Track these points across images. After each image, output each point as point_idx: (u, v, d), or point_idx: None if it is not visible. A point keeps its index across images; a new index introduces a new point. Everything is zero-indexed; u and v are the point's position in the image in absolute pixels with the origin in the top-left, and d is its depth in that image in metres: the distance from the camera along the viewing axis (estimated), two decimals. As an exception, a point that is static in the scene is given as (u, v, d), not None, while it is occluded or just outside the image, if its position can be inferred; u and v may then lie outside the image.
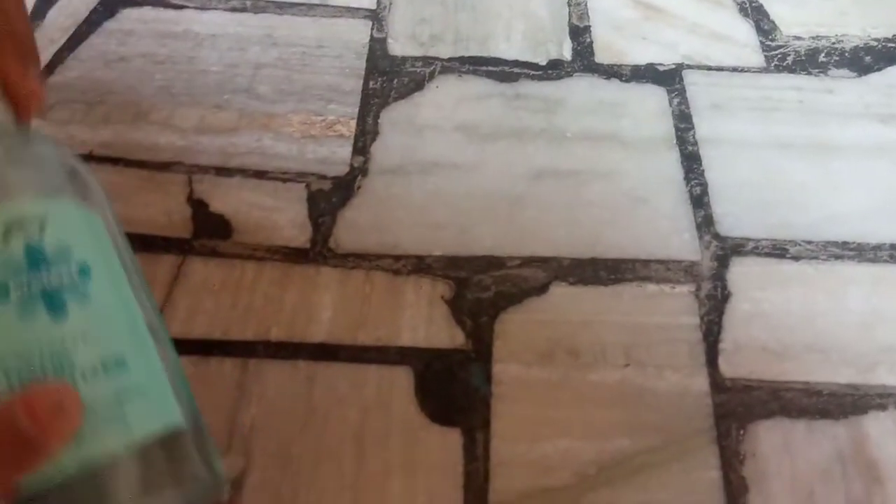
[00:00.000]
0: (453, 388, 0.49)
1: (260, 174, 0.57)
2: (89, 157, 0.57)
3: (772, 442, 0.48)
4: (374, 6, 0.68)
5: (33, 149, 0.27)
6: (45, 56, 0.62)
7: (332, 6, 0.67)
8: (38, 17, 0.64)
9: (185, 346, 0.50)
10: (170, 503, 0.23)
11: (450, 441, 0.47)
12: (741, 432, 0.49)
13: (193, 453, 0.25)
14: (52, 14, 0.64)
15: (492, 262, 0.55)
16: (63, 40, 0.63)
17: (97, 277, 0.24)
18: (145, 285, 0.28)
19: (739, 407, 0.49)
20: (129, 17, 0.65)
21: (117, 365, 0.23)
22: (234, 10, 0.66)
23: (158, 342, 0.26)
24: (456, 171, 0.59)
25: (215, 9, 0.66)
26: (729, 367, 0.51)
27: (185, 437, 0.25)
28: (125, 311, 0.25)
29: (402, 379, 0.50)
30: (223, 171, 0.57)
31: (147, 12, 0.65)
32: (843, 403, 0.49)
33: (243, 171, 0.57)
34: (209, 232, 0.54)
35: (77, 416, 0.22)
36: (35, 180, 0.25)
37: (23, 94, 0.29)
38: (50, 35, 0.63)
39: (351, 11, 0.67)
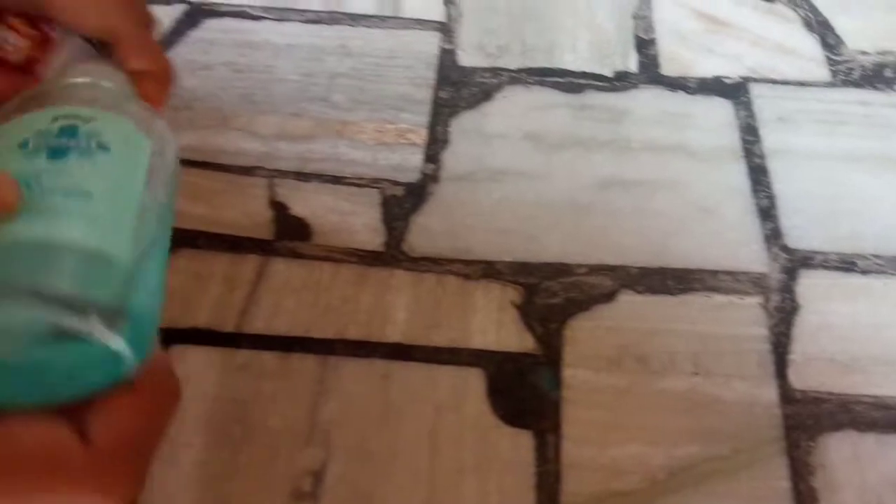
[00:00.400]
0: (524, 391, 0.51)
1: (336, 179, 0.60)
2: (176, 161, 0.60)
3: (841, 454, 0.49)
4: (443, 18, 0.70)
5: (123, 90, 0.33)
6: (134, 64, 0.65)
7: (404, 18, 0.69)
8: (126, 26, 0.67)
9: (268, 343, 0.52)
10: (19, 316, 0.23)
11: (522, 442, 0.49)
12: (811, 444, 0.49)
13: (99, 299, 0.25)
14: (139, 23, 0.68)
15: (560, 269, 0.56)
16: (150, 49, 0.66)
17: (113, 160, 0.28)
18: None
19: (809, 418, 0.50)
20: (211, 28, 0.68)
21: (81, 194, 0.26)
22: (310, 21, 0.69)
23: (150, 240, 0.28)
24: (524, 178, 0.60)
25: (292, 20, 0.68)
26: (798, 378, 0.51)
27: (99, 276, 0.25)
28: (125, 193, 0.28)
29: (474, 380, 0.51)
30: (301, 176, 0.59)
31: (228, 23, 0.68)
32: (914, 417, 0.50)
33: (320, 177, 0.60)
34: (290, 234, 0.57)
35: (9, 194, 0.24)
36: (103, 99, 0.32)
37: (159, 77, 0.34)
38: (137, 43, 0.66)
39: (421, 24, 0.69)
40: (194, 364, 0.51)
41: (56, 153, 0.27)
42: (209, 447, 0.48)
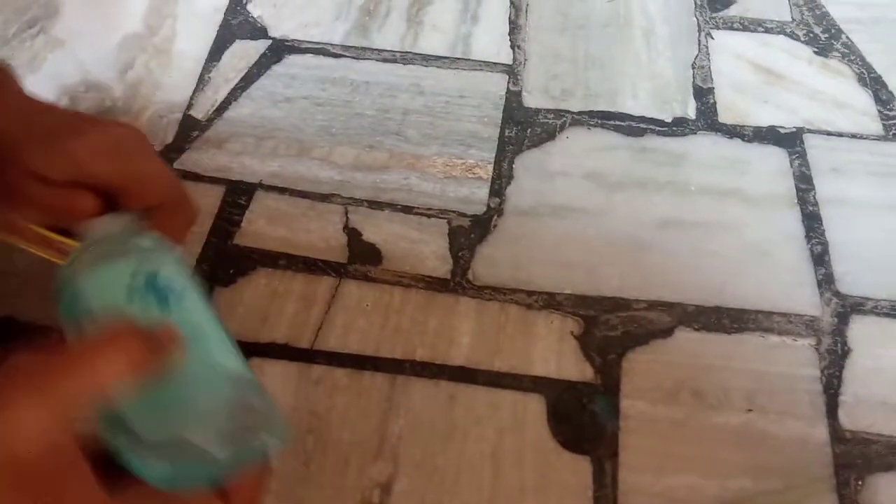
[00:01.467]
0: (583, 419, 0.53)
1: (407, 209, 0.63)
2: (259, 186, 0.64)
3: (890, 494, 0.50)
4: (510, 62, 0.74)
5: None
6: (221, 94, 0.70)
7: (473, 60, 0.73)
8: (215, 58, 0.72)
9: (341, 360, 0.55)
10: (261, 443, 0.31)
11: (580, 468, 0.51)
12: (860, 483, 0.51)
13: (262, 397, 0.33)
14: (227, 56, 0.73)
15: (619, 304, 0.59)
16: (237, 80, 0.71)
17: (192, 292, 0.35)
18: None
19: (858, 458, 0.52)
20: (294, 63, 0.72)
21: (199, 330, 0.33)
22: (385, 60, 0.73)
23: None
24: (585, 215, 0.63)
25: (369, 59, 0.73)
26: (849, 419, 0.53)
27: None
28: (210, 315, 0.35)
29: (535, 405, 0.54)
30: (375, 205, 0.63)
31: (309, 59, 0.73)
32: (964, 463, 0.51)
33: (392, 206, 0.63)
34: (362, 258, 0.60)
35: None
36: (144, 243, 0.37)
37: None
38: (225, 75, 0.71)
39: (490, 66, 0.73)
40: (272, 377, 0.54)
41: (161, 303, 0.33)
42: (283, 456, 0.51)
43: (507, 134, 0.68)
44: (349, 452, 0.52)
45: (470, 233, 0.62)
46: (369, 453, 0.51)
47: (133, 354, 0.28)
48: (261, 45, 0.74)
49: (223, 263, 0.59)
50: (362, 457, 0.51)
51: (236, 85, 0.70)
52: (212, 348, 0.32)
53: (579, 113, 0.70)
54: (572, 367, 0.56)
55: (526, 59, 0.74)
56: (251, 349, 0.55)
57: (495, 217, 0.63)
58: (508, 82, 0.72)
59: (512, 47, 0.75)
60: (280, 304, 0.58)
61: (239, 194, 0.63)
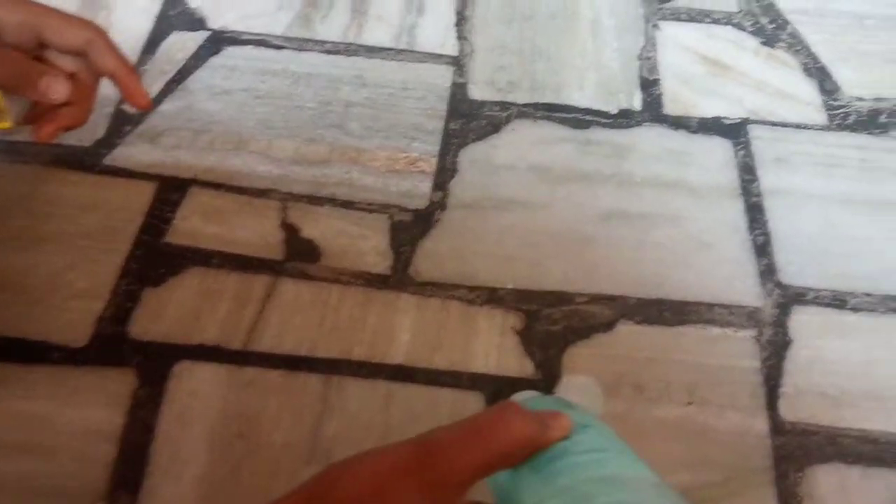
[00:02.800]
0: (522, 415, 0.52)
1: (347, 204, 0.62)
2: (194, 181, 0.62)
3: (829, 485, 0.50)
4: (456, 53, 0.72)
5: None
6: (157, 86, 0.67)
7: (418, 52, 0.72)
8: (151, 50, 0.70)
9: (275, 361, 0.54)
10: None
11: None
12: (799, 475, 0.50)
13: None
14: (163, 48, 0.70)
15: (561, 298, 0.58)
16: (173, 72, 0.68)
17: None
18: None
19: (798, 450, 0.51)
20: (233, 55, 0.70)
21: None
22: (328, 52, 0.71)
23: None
24: (529, 208, 0.62)
25: (311, 50, 0.71)
26: (788, 410, 0.53)
27: None
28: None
29: (474, 403, 0.53)
30: (314, 200, 0.62)
31: (250, 51, 0.71)
32: (901, 452, 0.51)
33: (332, 201, 0.62)
34: (300, 255, 0.59)
35: None
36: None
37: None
38: (161, 67, 0.69)
39: (435, 57, 0.72)
40: (201, 380, 0.53)
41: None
42: (212, 463, 0.50)
43: (451, 127, 0.67)
44: (280, 456, 0.50)
45: (412, 228, 0.61)
46: (301, 457, 0.50)
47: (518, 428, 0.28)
48: (199, 37, 0.71)
49: (154, 262, 0.57)
50: (294, 461, 0.50)
51: (172, 77, 0.68)
52: (610, 459, 0.31)
53: (525, 105, 0.69)
54: (513, 362, 0.55)
55: (472, 51, 0.73)
56: (179, 352, 0.53)
57: (438, 211, 0.62)
58: (454, 74, 0.71)
59: (458, 39, 0.74)
60: (212, 304, 0.56)
61: (172, 190, 0.61)
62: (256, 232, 0.60)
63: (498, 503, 0.31)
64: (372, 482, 0.26)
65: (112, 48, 0.43)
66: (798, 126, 0.69)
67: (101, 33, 0.42)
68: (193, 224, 0.60)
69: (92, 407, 0.51)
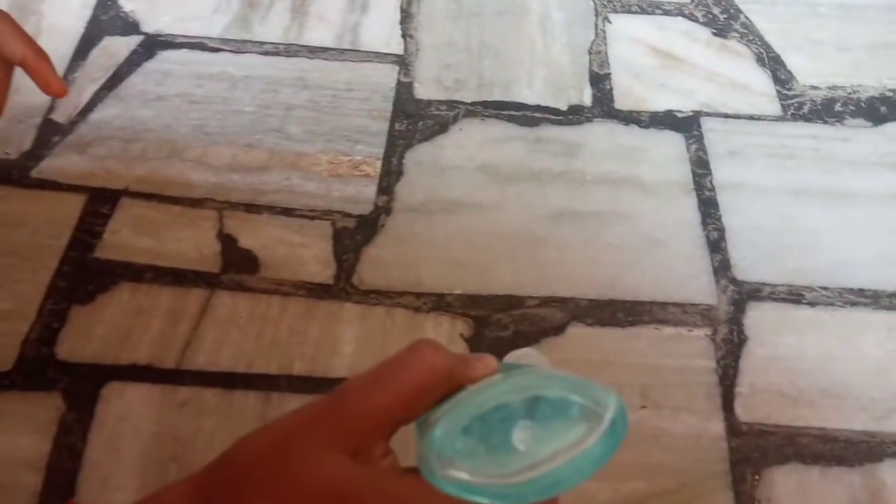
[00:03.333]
0: (471, 426, 0.50)
1: (287, 211, 0.59)
2: (124, 193, 0.59)
3: (787, 487, 0.48)
4: (401, 52, 0.70)
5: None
6: (86, 95, 0.64)
7: (362, 51, 0.70)
8: (81, 57, 0.67)
9: (211, 379, 0.51)
10: None
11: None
12: (756, 477, 0.49)
13: None
14: (94, 54, 0.67)
15: (511, 302, 0.56)
16: (104, 79, 0.66)
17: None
18: None
19: (755, 452, 0.50)
20: (167, 59, 0.68)
21: None
22: (267, 53, 0.69)
23: None
24: (478, 210, 0.60)
25: (250, 52, 0.69)
26: (745, 411, 0.51)
27: None
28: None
29: (421, 415, 0.51)
30: (252, 208, 0.59)
31: (185, 54, 0.68)
32: (859, 450, 0.50)
33: (272, 209, 0.59)
34: (237, 267, 0.56)
35: None
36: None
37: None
38: (91, 74, 0.66)
39: (379, 56, 0.70)
40: (132, 402, 0.50)
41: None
42: (145, 489, 0.47)
43: (397, 128, 0.65)
44: (217, 479, 0.48)
45: (356, 234, 0.59)
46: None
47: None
48: (132, 41, 0.69)
49: (82, 279, 0.55)
50: (231, 483, 0.47)
51: (103, 84, 0.65)
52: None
53: (473, 104, 0.67)
54: (461, 371, 0.52)
55: (418, 49, 0.71)
56: (109, 373, 0.51)
57: (383, 216, 0.60)
58: (399, 73, 0.69)
59: (403, 37, 0.71)
60: (144, 321, 0.53)
61: (102, 202, 0.58)
62: (191, 244, 0.57)
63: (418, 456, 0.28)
64: (276, 437, 0.25)
65: (20, 34, 0.40)
66: (751, 117, 0.67)
67: (6, 19, 0.39)
68: (124, 237, 0.57)
69: (16, 434, 0.49)
